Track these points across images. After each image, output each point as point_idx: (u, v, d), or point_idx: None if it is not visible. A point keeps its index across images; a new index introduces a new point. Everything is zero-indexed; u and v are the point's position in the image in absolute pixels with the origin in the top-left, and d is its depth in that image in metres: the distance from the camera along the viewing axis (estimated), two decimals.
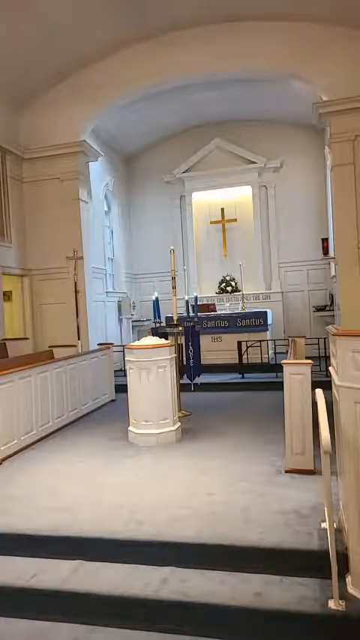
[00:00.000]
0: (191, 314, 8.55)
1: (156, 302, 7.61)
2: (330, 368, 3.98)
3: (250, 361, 9.77)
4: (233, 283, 12.93)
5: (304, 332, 10.85)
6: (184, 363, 7.63)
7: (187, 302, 8.80)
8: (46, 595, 3.28)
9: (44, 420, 6.56)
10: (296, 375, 4.63)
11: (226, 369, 9.96)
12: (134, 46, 9.43)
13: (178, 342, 7.22)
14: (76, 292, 10.01)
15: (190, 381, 7.88)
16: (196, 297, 8.85)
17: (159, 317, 7.63)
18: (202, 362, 8.22)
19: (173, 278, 7.10)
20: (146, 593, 3.15)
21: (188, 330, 7.60)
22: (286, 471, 4.63)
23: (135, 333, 13.00)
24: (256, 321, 10.62)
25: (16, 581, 3.40)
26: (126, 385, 6.18)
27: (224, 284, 13.06)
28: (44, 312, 10.28)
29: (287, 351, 7.78)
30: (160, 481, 4.64)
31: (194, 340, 7.75)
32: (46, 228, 10.18)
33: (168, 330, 7.19)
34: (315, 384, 4.39)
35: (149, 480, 4.69)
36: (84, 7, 7.99)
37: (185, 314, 8.70)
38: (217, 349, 10.53)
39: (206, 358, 9.33)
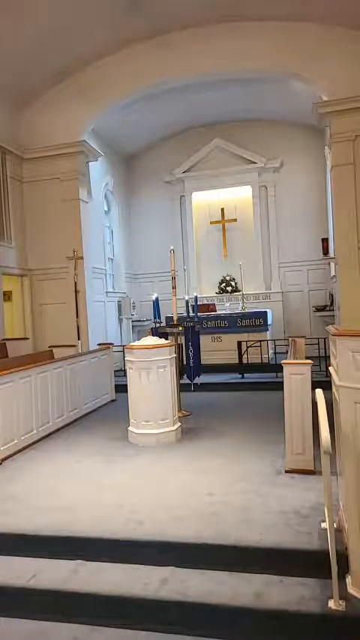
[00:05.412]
0: (191, 314, 8.55)
1: (156, 302, 7.60)
2: (330, 368, 3.98)
3: (250, 361, 9.77)
4: (233, 283, 12.93)
5: (304, 332, 10.85)
6: (184, 363, 7.63)
7: (187, 302, 8.79)
8: (46, 595, 3.28)
9: (44, 420, 6.56)
10: (296, 375, 4.63)
11: (226, 369, 9.95)
12: (134, 46, 9.43)
13: (178, 342, 7.22)
14: (76, 292, 10.01)
15: (190, 381, 7.87)
16: (196, 297, 8.84)
17: (159, 317, 7.62)
18: (202, 362, 8.21)
19: (173, 278, 7.10)
20: (146, 593, 3.15)
21: (188, 330, 7.60)
22: (286, 471, 4.63)
23: (135, 333, 13.00)
24: (256, 321, 10.62)
25: (16, 581, 3.40)
26: (126, 385, 6.18)
27: (224, 284, 13.06)
28: (44, 312, 10.28)
29: (287, 351, 7.78)
30: (160, 481, 4.64)
31: (194, 340, 7.75)
32: (46, 228, 10.18)
33: (168, 330, 7.18)
34: (315, 384, 4.39)
35: (149, 480, 4.69)
36: (84, 7, 7.98)
37: (185, 314, 8.69)
38: (217, 349, 10.52)
39: (206, 358, 9.32)
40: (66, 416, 7.16)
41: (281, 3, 8.38)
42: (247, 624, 2.95)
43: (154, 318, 7.61)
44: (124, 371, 7.76)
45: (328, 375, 4.57)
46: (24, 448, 5.98)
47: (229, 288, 12.98)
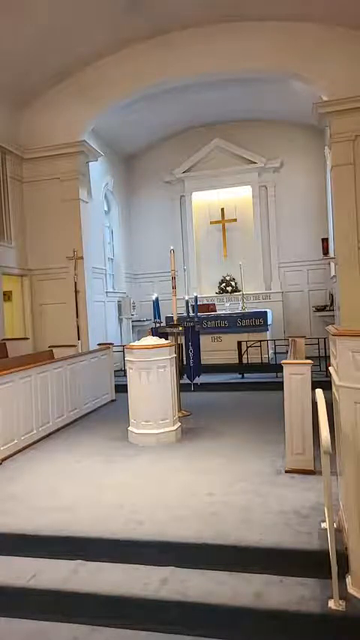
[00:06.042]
0: (191, 314, 8.55)
1: (156, 302, 7.60)
2: (330, 368, 3.98)
3: (250, 361, 9.76)
4: (233, 283, 12.93)
5: (304, 332, 10.85)
6: (184, 363, 7.63)
7: (187, 302, 8.79)
8: (46, 595, 3.28)
9: (44, 420, 6.56)
10: (296, 375, 4.63)
11: (226, 369, 9.95)
12: (134, 46, 9.43)
13: (178, 342, 7.22)
14: (76, 292, 10.01)
15: (190, 381, 7.87)
16: (196, 297, 8.84)
17: (159, 317, 7.62)
18: (202, 362, 8.22)
19: (173, 278, 7.10)
20: (146, 593, 3.15)
21: (188, 330, 7.60)
22: (286, 471, 4.63)
23: (135, 333, 13.00)
24: (256, 321, 10.62)
25: (16, 581, 3.40)
26: (126, 385, 6.18)
27: (224, 284, 13.06)
28: (44, 312, 10.28)
29: (287, 351, 7.78)
30: (160, 481, 4.64)
31: (194, 340, 7.75)
32: (46, 228, 10.18)
33: (168, 330, 7.18)
34: (315, 384, 4.39)
35: (149, 480, 4.69)
36: (84, 7, 7.98)
37: (185, 314, 8.69)
38: (217, 349, 10.52)
39: (206, 358, 9.31)
40: (66, 416, 7.16)
41: (281, 3, 8.38)
42: (247, 624, 2.95)
43: (154, 318, 7.61)
44: (124, 371, 7.76)
45: (328, 375, 4.58)
46: (24, 448, 5.98)
47: (229, 288, 12.98)
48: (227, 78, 9.94)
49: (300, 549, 3.29)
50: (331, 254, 10.81)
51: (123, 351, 8.47)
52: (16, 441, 5.86)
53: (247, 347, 9.80)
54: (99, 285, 11.43)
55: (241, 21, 8.91)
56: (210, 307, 11.44)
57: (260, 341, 10.03)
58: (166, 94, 10.40)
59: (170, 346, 6.05)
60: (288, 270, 12.77)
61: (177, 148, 13.14)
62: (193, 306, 8.63)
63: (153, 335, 6.64)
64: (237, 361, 9.80)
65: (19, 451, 5.87)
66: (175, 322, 7.16)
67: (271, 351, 10.42)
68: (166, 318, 10.08)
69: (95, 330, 10.47)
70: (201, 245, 13.40)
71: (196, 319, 8.15)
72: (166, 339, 6.43)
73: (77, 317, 10.01)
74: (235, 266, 12.50)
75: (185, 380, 7.69)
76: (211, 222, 13.24)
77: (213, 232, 13.29)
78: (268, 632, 2.92)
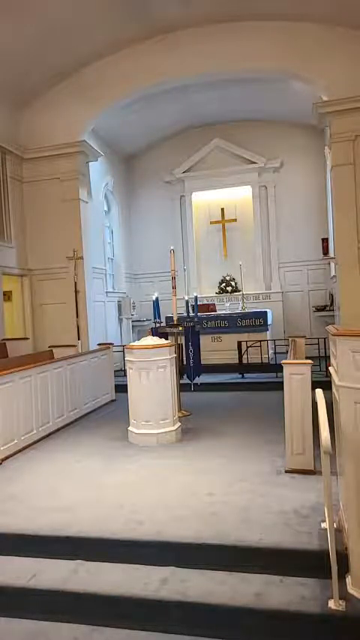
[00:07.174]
0: (191, 314, 8.55)
1: (156, 302, 7.60)
2: (330, 368, 3.98)
3: (250, 361, 9.77)
4: (233, 283, 12.93)
5: (304, 332, 10.85)
6: (184, 363, 7.63)
7: (187, 302, 8.79)
8: (46, 595, 3.28)
9: (44, 420, 6.56)
10: (296, 375, 4.63)
11: (226, 369, 9.95)
12: (134, 47, 9.42)
13: (178, 342, 7.22)
14: (76, 292, 10.01)
15: (190, 381, 7.87)
16: (196, 297, 8.84)
17: (159, 317, 7.62)
18: (202, 362, 8.22)
19: (173, 278, 7.10)
20: (146, 593, 3.15)
21: (188, 330, 7.60)
22: (286, 471, 4.63)
23: (135, 333, 13.00)
24: (256, 321, 10.62)
25: (16, 581, 3.40)
26: (126, 385, 6.18)
27: (224, 284, 13.06)
28: (44, 312, 10.28)
29: (287, 351, 7.78)
30: (160, 481, 4.64)
31: (194, 340, 7.75)
32: (46, 228, 10.18)
33: (168, 330, 7.18)
34: (315, 384, 4.39)
35: (149, 480, 4.69)
36: (84, 7, 7.98)
37: (185, 314, 8.69)
38: (217, 349, 10.52)
39: (206, 358, 9.31)
40: (66, 416, 7.16)
41: (281, 3, 8.38)
42: (247, 624, 2.95)
43: (154, 318, 7.61)
44: (124, 371, 7.76)
45: (328, 375, 4.58)
46: (24, 448, 5.98)
47: (229, 288, 12.98)
48: (227, 78, 9.94)
49: (300, 549, 3.29)
50: (331, 254, 10.81)
51: (123, 351, 8.47)
52: (16, 441, 5.86)
53: (247, 347, 9.80)
54: (99, 285, 11.43)
55: (241, 21, 8.90)
56: (210, 307, 11.45)
57: (260, 341, 10.03)
58: (166, 93, 10.39)
59: (170, 346, 6.05)
60: (288, 270, 12.77)
61: (177, 148, 13.14)
62: (193, 306, 8.63)
63: (153, 335, 6.64)
64: (237, 361, 9.80)
65: (19, 451, 5.87)
66: (175, 322, 7.16)
67: (271, 351, 10.42)
68: (166, 318, 10.08)
69: (95, 330, 10.47)
70: (201, 245, 13.40)
71: (196, 319, 8.15)
72: (166, 339, 6.43)
73: (77, 317, 10.02)
74: (235, 266, 12.50)
75: (185, 380, 7.69)
76: (211, 222, 13.24)
77: (213, 232, 13.29)
78: (268, 632, 2.92)
